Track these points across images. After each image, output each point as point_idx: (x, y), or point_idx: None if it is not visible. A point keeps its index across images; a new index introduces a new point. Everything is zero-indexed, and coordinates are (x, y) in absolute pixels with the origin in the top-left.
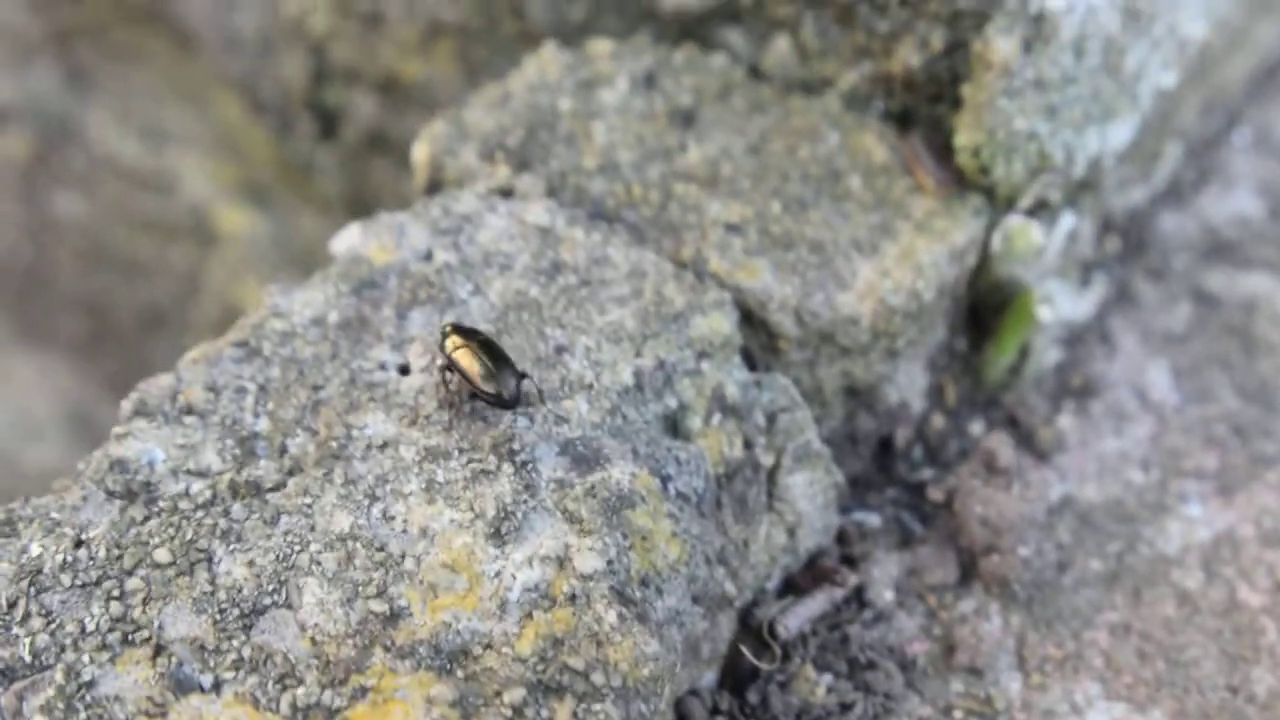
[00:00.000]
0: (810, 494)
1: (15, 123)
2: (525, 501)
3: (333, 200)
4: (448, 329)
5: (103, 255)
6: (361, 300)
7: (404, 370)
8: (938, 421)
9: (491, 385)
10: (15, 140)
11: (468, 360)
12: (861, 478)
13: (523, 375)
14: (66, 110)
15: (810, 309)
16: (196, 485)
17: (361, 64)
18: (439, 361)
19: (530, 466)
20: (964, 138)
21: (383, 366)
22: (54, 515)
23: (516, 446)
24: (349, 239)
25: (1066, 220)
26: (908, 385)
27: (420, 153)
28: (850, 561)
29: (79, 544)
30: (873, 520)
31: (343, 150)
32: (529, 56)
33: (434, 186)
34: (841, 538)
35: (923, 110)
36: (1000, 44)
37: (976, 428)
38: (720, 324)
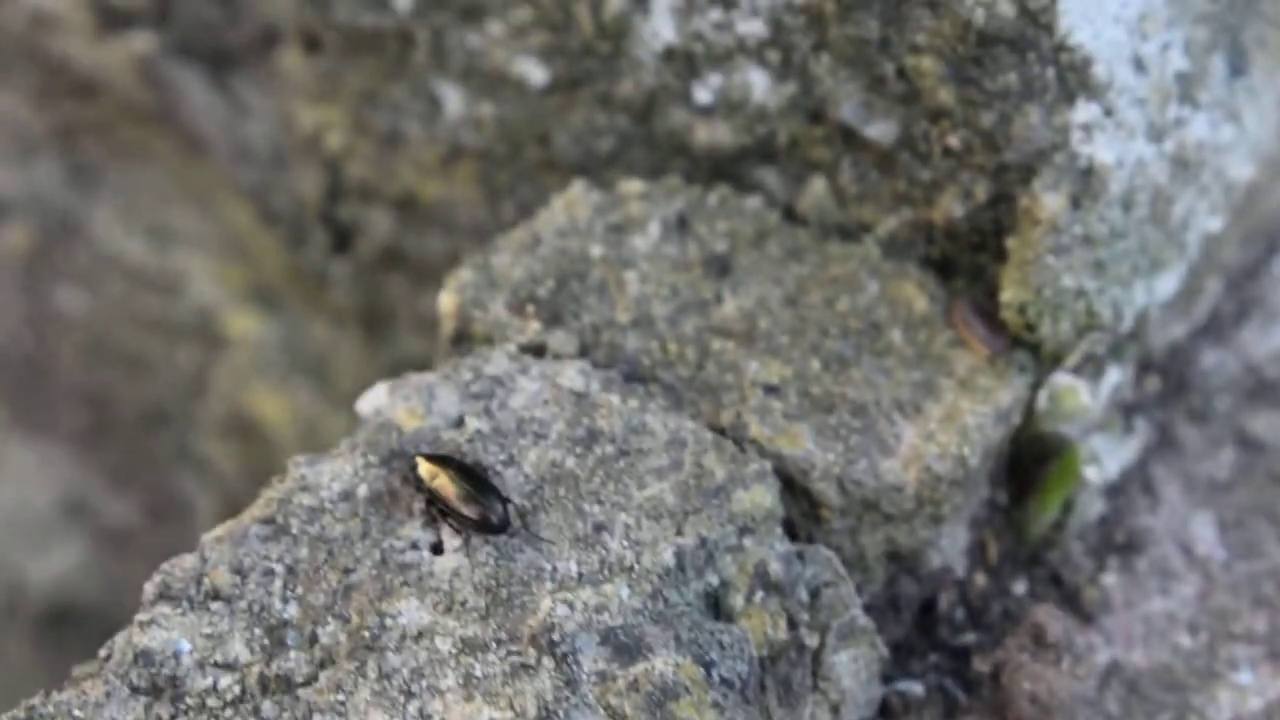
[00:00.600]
0: (855, 670)
1: (17, 216)
2: (567, 698)
3: (345, 312)
4: (416, 460)
5: (105, 351)
6: (391, 472)
7: (436, 549)
8: (979, 581)
9: (474, 509)
10: (17, 233)
11: (445, 485)
12: (903, 643)
13: (506, 500)
14: (69, 206)
15: (854, 477)
16: (225, 680)
17: (378, 182)
18: (419, 502)
19: (571, 659)
20: (1010, 294)
21: (415, 545)
22: (77, 713)
23: (557, 637)
24: (376, 400)
25: (1112, 375)
26: (950, 548)
27: (447, 303)
28: None
29: None
30: (916, 689)
31: (357, 264)
32: (557, 196)
33: (460, 338)
34: (885, 709)
35: (964, 259)
36: (1048, 200)
37: (1020, 587)
38: (763, 497)
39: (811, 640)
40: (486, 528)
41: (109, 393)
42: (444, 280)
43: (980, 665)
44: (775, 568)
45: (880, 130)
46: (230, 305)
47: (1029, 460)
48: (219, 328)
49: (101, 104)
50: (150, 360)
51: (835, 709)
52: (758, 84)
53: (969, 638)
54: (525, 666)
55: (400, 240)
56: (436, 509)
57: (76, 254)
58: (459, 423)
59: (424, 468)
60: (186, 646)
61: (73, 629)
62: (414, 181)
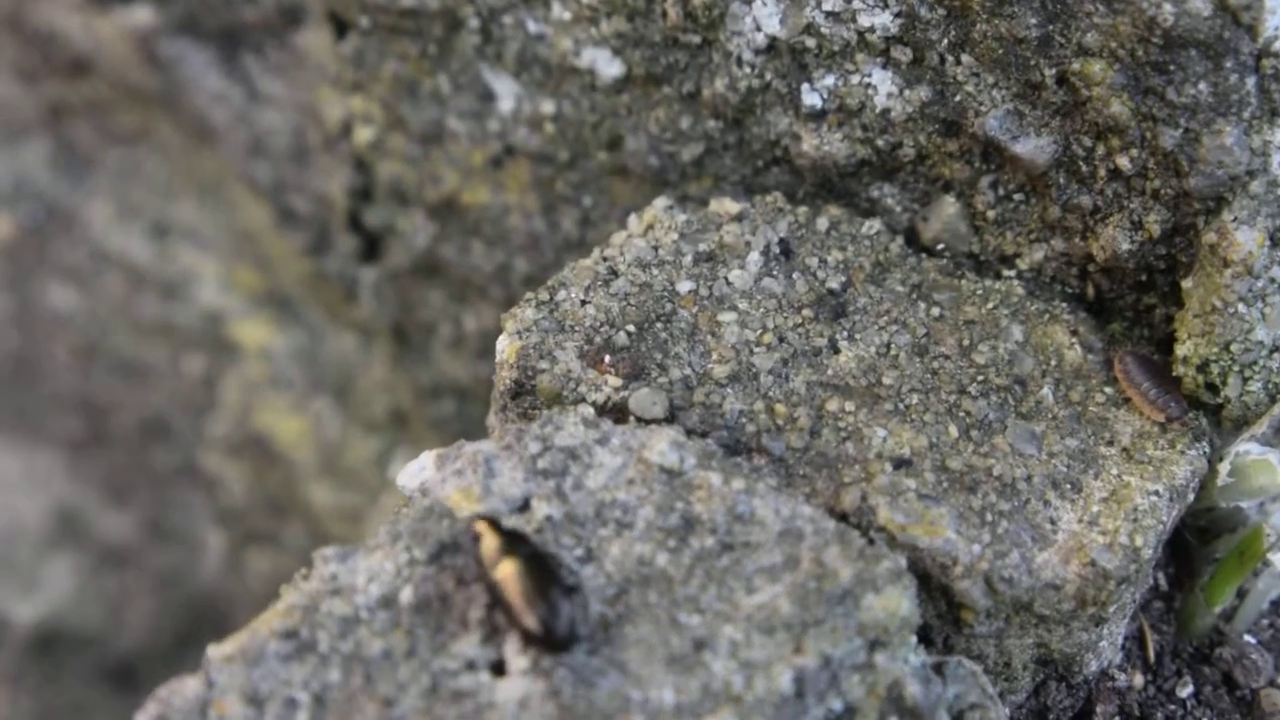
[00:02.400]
0: None
1: (1, 204)
2: None
3: (374, 325)
4: (480, 528)
5: (101, 355)
6: (442, 571)
7: (498, 669)
8: (1137, 682)
9: (536, 614)
10: (1, 223)
11: (510, 577)
12: None
13: (573, 589)
14: (60, 195)
15: (1003, 574)
16: None
17: (415, 184)
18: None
19: None
20: (1188, 348)
21: (471, 666)
22: None
23: None
24: (421, 474)
25: None
26: (1110, 650)
27: (508, 349)
28: None
29: None
30: None
31: (388, 274)
32: (634, 215)
33: (520, 392)
34: None
35: (1126, 300)
36: (1241, 236)
37: (1185, 690)
38: (897, 602)
39: None
40: (548, 643)
41: (105, 400)
42: (501, 317)
43: None
44: (912, 689)
45: (1032, 146)
46: (241, 311)
47: (1195, 538)
48: (228, 335)
49: (95, 84)
50: (151, 367)
51: None
52: (882, 87)
53: None
54: None
55: (439, 250)
56: (497, 608)
57: (69, 248)
58: (524, 506)
59: (488, 544)
60: None
61: (64, 655)
62: (457, 185)
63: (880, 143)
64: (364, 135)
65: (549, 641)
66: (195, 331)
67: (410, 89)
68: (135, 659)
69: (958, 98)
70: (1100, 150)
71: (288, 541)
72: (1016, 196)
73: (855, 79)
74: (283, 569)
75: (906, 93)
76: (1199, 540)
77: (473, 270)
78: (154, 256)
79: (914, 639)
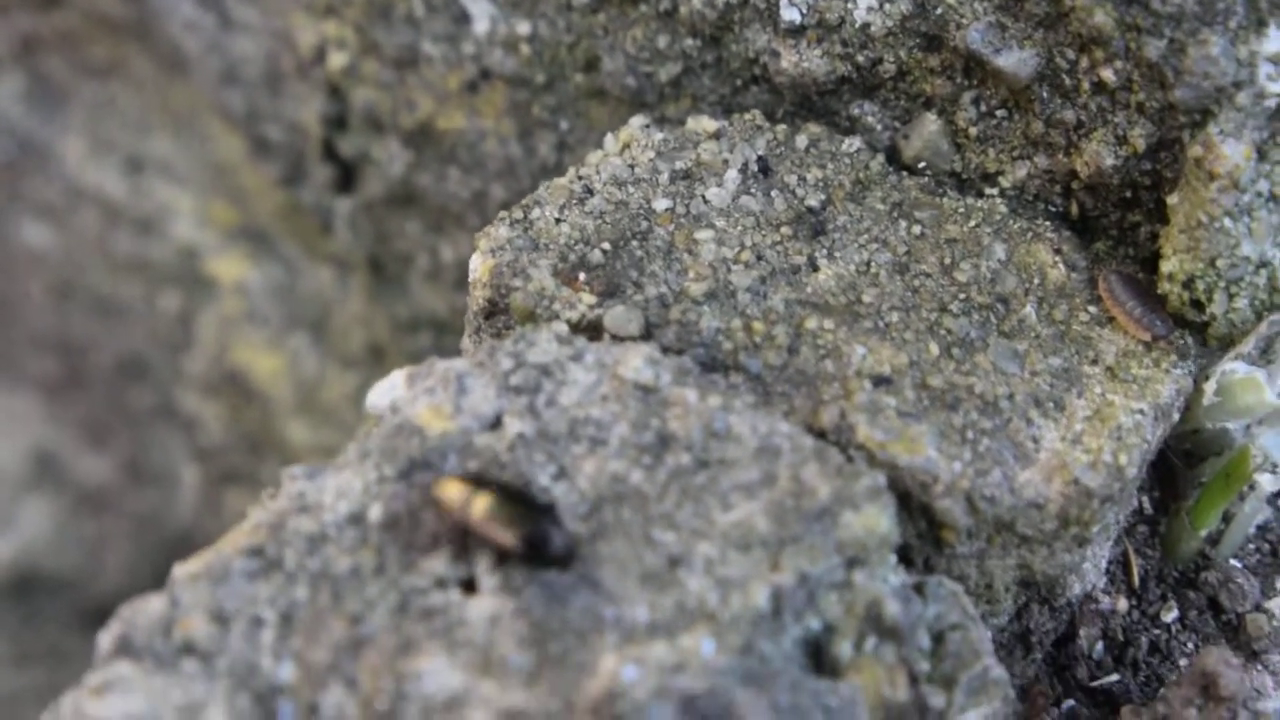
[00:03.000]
0: None
1: None
2: None
3: (350, 258)
4: (440, 483)
5: (77, 293)
6: (412, 488)
7: (469, 586)
8: (1121, 606)
9: (517, 532)
10: None
11: (480, 509)
12: (1030, 687)
13: (548, 508)
14: (32, 130)
15: (985, 492)
16: None
17: (390, 110)
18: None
19: None
20: (1174, 264)
21: (441, 584)
22: None
23: (623, 708)
24: (391, 392)
25: None
26: (1094, 572)
27: (481, 268)
28: None
29: None
30: None
31: (364, 204)
32: (610, 134)
33: (494, 311)
34: None
35: (1111, 218)
36: (1227, 149)
37: (1169, 615)
38: (876, 520)
39: (937, 700)
40: (538, 557)
41: (82, 340)
42: (474, 237)
43: (1130, 719)
44: (891, 608)
45: (1015, 60)
46: (217, 247)
47: (1181, 464)
48: (204, 271)
49: (68, 15)
50: (127, 305)
51: None
52: (861, 1)
53: (1111, 679)
54: None
55: (415, 178)
56: (468, 536)
57: (42, 184)
58: (495, 424)
59: (452, 491)
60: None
61: (41, 598)
62: (432, 110)
63: (860, 59)
64: (338, 61)
65: (538, 556)
66: (171, 268)
67: (383, 12)
68: (113, 602)
69: (939, 11)
70: (1084, 63)
71: (265, 480)
72: (999, 113)
73: None
74: None
75: (887, 6)
76: (1184, 463)
77: (449, 198)
78: (129, 192)
79: (893, 558)
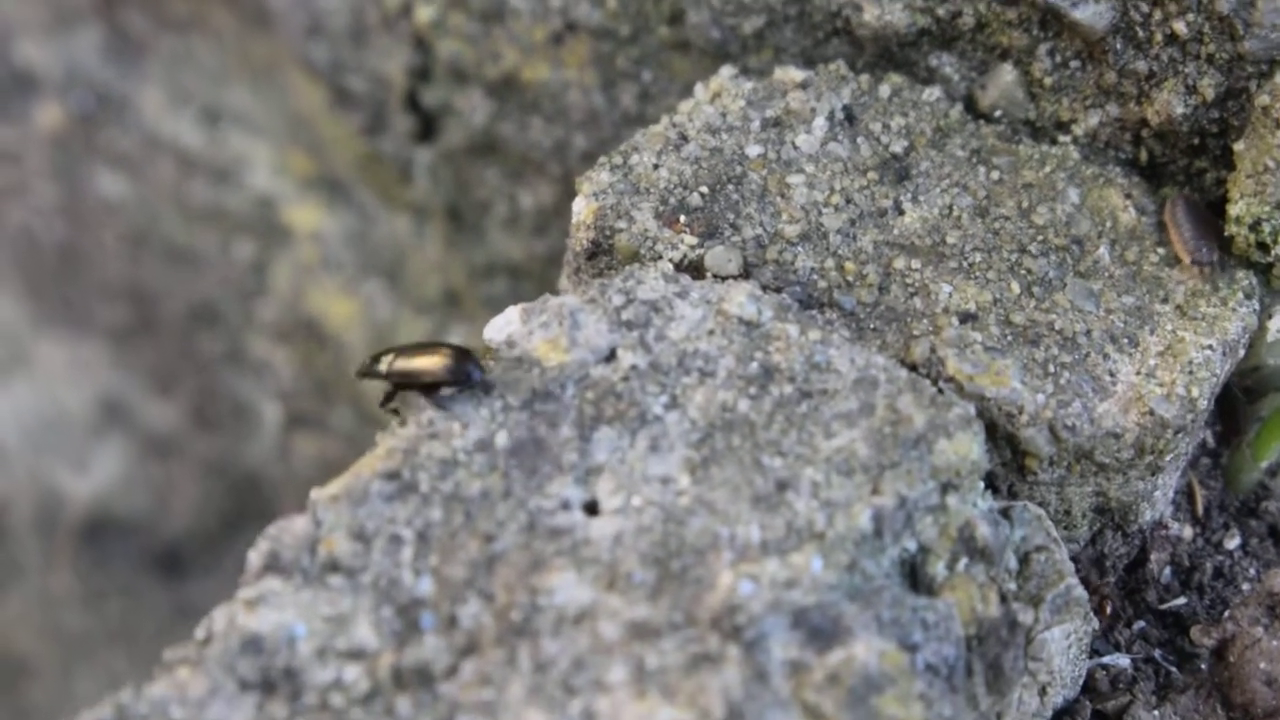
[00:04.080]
0: (1066, 648)
1: (51, 93)
2: (757, 694)
3: (428, 206)
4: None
5: (151, 242)
6: (534, 417)
7: (591, 509)
8: (1186, 534)
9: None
10: (50, 111)
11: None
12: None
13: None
14: (111, 83)
15: (1066, 422)
16: (350, 672)
17: (475, 62)
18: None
19: (759, 645)
20: (1240, 208)
21: (566, 506)
22: (175, 715)
23: (741, 620)
24: (507, 327)
25: None
26: (1162, 501)
27: (585, 210)
28: (1103, 718)
29: None
30: (1122, 663)
31: (444, 153)
32: (700, 85)
33: (596, 252)
34: (1088, 685)
35: (1179, 164)
36: None
37: (1232, 542)
38: (968, 448)
39: (1026, 616)
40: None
41: (153, 287)
42: (574, 181)
43: (1204, 641)
44: (983, 531)
45: (1091, 12)
46: (293, 195)
47: (1242, 399)
48: (280, 220)
49: None
50: (201, 253)
51: (1043, 690)
52: None
53: (1179, 602)
54: (706, 656)
55: (497, 127)
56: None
57: (119, 135)
58: (610, 357)
59: (360, 369)
60: (302, 630)
61: (111, 541)
62: (517, 62)
63: (940, 12)
64: (425, 14)
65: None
66: (246, 216)
67: None
68: (181, 545)
69: None
70: (1157, 15)
71: (335, 425)
72: (1073, 63)
73: None
74: (329, 453)
75: None
76: (1246, 399)
77: (531, 147)
78: (205, 142)
79: (981, 484)
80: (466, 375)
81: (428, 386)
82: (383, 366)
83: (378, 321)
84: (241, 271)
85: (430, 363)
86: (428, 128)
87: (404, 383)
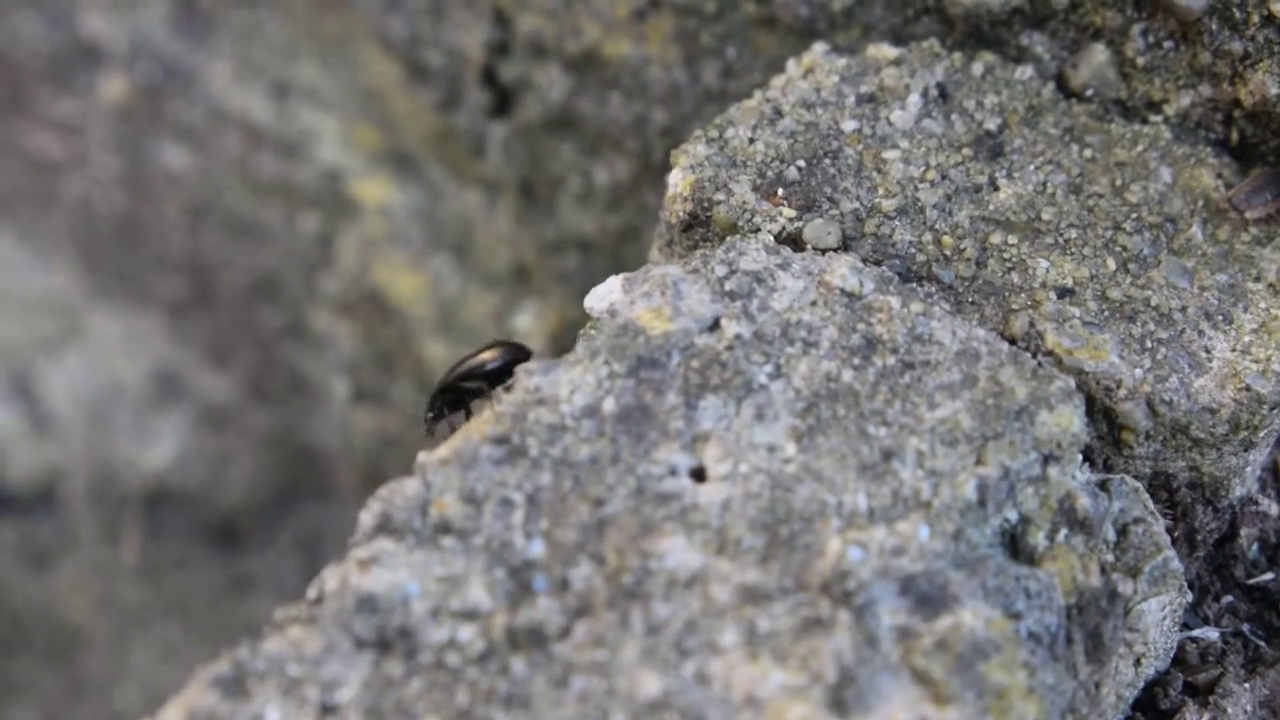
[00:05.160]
0: (1161, 619)
1: (116, 65)
2: (868, 659)
3: (501, 181)
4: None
5: (213, 214)
6: (640, 384)
7: (698, 476)
8: (1274, 510)
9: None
10: (115, 83)
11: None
12: (1194, 582)
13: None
14: (178, 55)
15: (1164, 397)
16: (465, 632)
17: (555, 37)
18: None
19: (869, 611)
20: None
21: (673, 472)
22: (292, 671)
23: (851, 586)
24: (609, 296)
25: None
26: (1253, 476)
27: (682, 183)
28: (1193, 691)
29: (327, 710)
30: (1211, 636)
31: (519, 128)
32: (793, 60)
33: (693, 224)
34: (1178, 658)
35: (1269, 144)
36: None
37: None
38: (1069, 420)
39: (1126, 587)
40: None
41: (213, 260)
42: (671, 154)
43: None
44: (1083, 502)
45: None
46: (360, 170)
47: None
48: (347, 193)
49: None
50: (265, 226)
51: (1138, 661)
52: None
53: (1267, 577)
54: (817, 621)
55: (574, 102)
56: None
57: (185, 108)
58: (713, 326)
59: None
60: (416, 590)
61: (167, 513)
62: (598, 37)
63: None
64: None
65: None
66: (312, 190)
67: None
68: (236, 517)
69: None
70: None
71: (395, 399)
72: (1166, 44)
73: None
74: (388, 427)
75: None
76: None
77: (609, 122)
78: (273, 116)
79: (1080, 457)
80: (527, 352)
81: (493, 376)
82: (445, 381)
83: (445, 296)
84: (306, 244)
85: (490, 354)
86: (503, 102)
87: (470, 382)
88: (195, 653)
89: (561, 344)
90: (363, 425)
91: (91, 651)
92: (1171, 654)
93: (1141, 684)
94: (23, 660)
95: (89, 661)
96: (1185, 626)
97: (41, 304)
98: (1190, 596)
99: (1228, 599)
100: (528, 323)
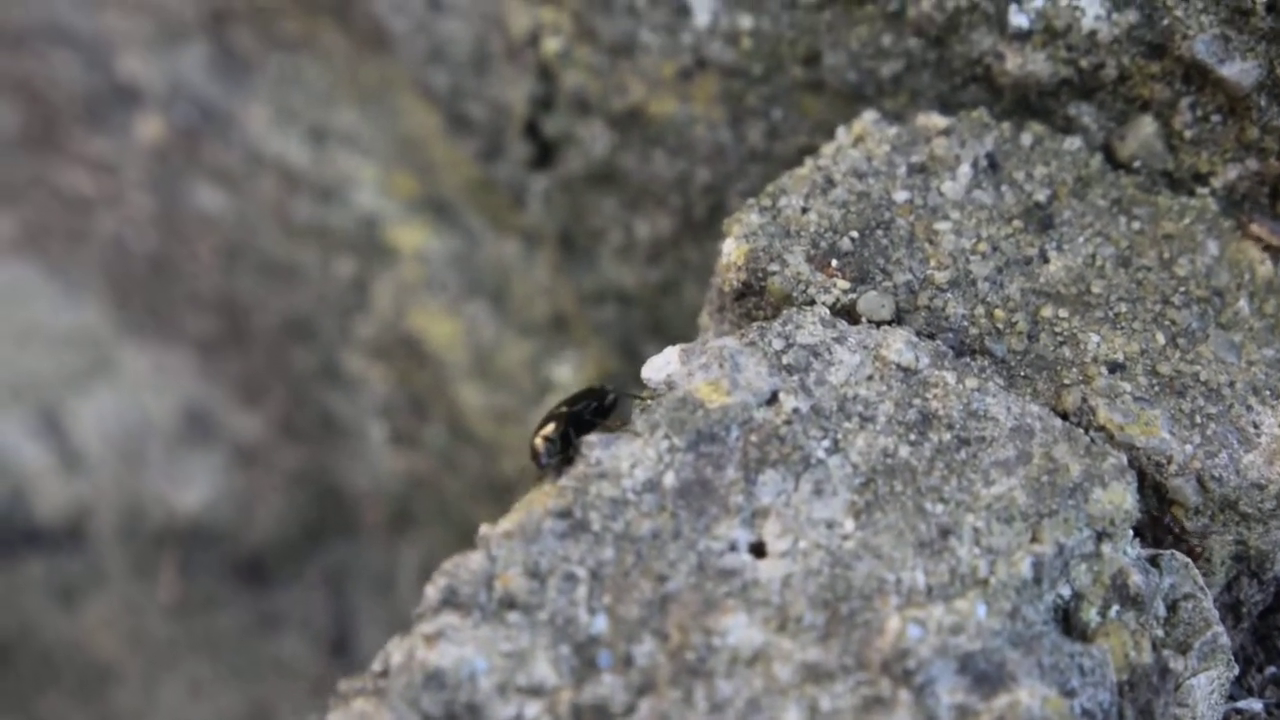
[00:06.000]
0: (1209, 694)
1: (154, 106)
2: None
3: (540, 232)
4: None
5: (247, 256)
6: (700, 458)
7: (758, 552)
8: None
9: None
10: (152, 124)
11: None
12: (1239, 654)
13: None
14: (216, 98)
15: (1213, 473)
16: (532, 708)
17: (600, 94)
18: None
19: (928, 690)
20: None
21: (733, 547)
22: None
23: (911, 665)
24: (666, 367)
25: None
26: None
27: (736, 252)
28: None
29: None
30: (1256, 707)
31: (560, 181)
32: (843, 128)
33: (746, 294)
34: None
35: None
36: None
37: None
38: (1122, 496)
39: (1177, 663)
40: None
41: (246, 300)
42: (724, 223)
43: None
44: (1135, 579)
45: (1238, 69)
46: (397, 216)
47: None
48: (384, 239)
49: None
50: (300, 268)
51: None
52: (1090, 9)
53: None
54: (878, 700)
55: (617, 158)
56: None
57: (221, 150)
58: (771, 399)
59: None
60: (483, 666)
61: (196, 550)
62: (644, 96)
63: (1084, 63)
64: (551, 45)
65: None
66: (349, 235)
67: (604, 2)
68: (264, 554)
69: (1165, 22)
70: None
71: (427, 442)
72: (1214, 118)
73: (1064, 1)
74: (418, 469)
75: (1114, 16)
76: None
77: (652, 178)
78: (310, 161)
79: (1131, 532)
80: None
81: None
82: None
83: (480, 342)
84: (341, 288)
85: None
86: (544, 155)
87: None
88: (223, 689)
89: None
90: (393, 466)
91: (121, 687)
92: None
93: None
94: (52, 696)
95: (118, 697)
96: (1230, 699)
97: (71, 339)
98: (1236, 669)
99: (1271, 670)
100: (567, 374)
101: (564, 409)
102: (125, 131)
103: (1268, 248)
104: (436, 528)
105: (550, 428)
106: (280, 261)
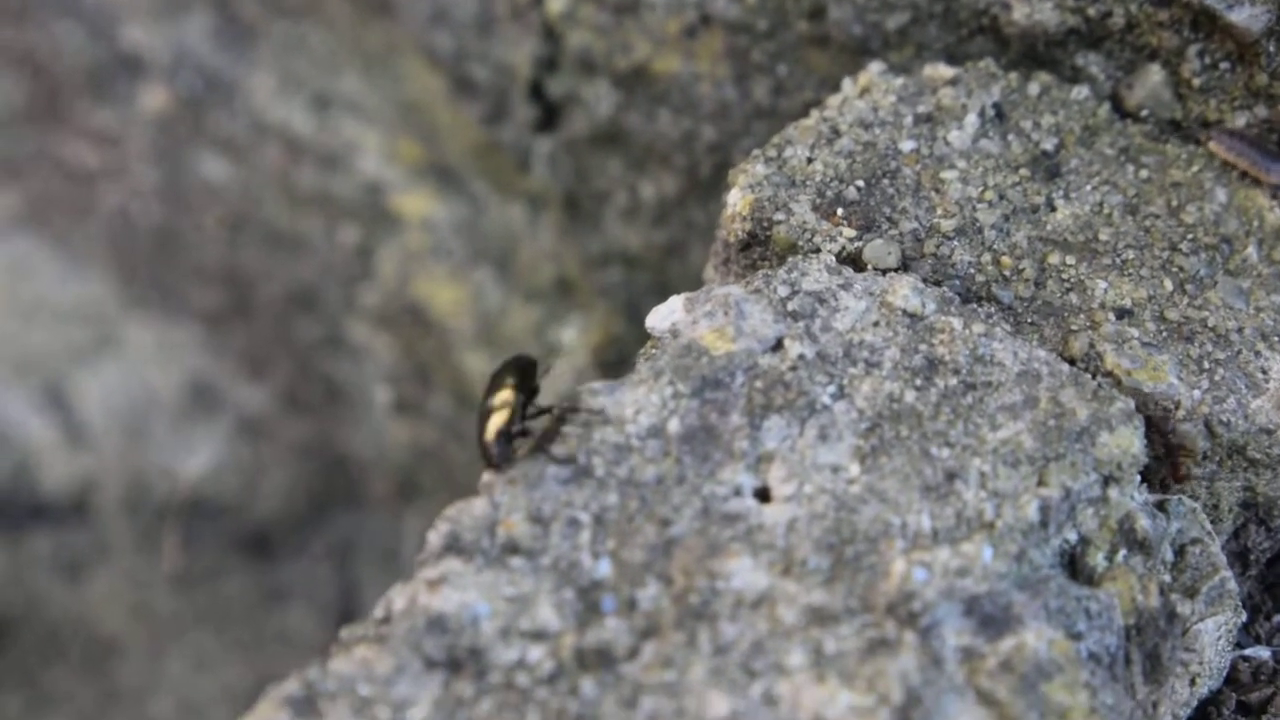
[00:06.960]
0: (1217, 639)
1: (158, 76)
2: (933, 680)
3: (545, 195)
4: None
5: (251, 226)
6: (704, 404)
7: (763, 496)
8: None
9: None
10: (156, 95)
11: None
12: (1247, 601)
13: None
14: (219, 67)
15: (1221, 418)
16: (535, 652)
17: (605, 53)
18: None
19: (934, 632)
20: None
21: (738, 492)
22: (362, 691)
23: (916, 607)
24: (671, 316)
25: None
26: None
27: (741, 202)
28: (1246, 710)
29: None
30: (1263, 655)
31: (565, 143)
32: (849, 79)
33: (752, 243)
34: (1231, 677)
35: None
36: None
37: None
38: (1129, 441)
39: (1184, 608)
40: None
41: (250, 271)
42: (729, 174)
43: None
44: (1143, 523)
45: (1247, 15)
46: (402, 183)
47: None
48: (388, 206)
49: None
50: (303, 238)
51: (1193, 681)
52: None
53: None
54: (883, 642)
55: (622, 118)
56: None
57: (227, 120)
58: (776, 346)
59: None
60: (485, 610)
61: (201, 523)
62: (648, 54)
63: (1091, 12)
64: (556, 5)
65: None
66: (353, 203)
67: None
68: (270, 527)
69: None
70: None
71: (432, 411)
72: (1223, 65)
73: None
74: (424, 439)
75: None
76: None
77: (657, 138)
78: (314, 128)
79: (1137, 478)
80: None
81: None
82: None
83: (486, 309)
84: (345, 257)
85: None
86: (549, 117)
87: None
88: (229, 662)
89: (604, 358)
90: (398, 436)
91: (126, 661)
92: (1224, 673)
93: (1195, 703)
94: (57, 670)
95: (123, 671)
96: (1238, 645)
97: (76, 313)
98: (1244, 616)
99: (1279, 617)
100: (572, 336)
101: (508, 392)
102: (129, 102)
103: (1244, 175)
104: (443, 497)
105: (500, 418)
106: (285, 231)
